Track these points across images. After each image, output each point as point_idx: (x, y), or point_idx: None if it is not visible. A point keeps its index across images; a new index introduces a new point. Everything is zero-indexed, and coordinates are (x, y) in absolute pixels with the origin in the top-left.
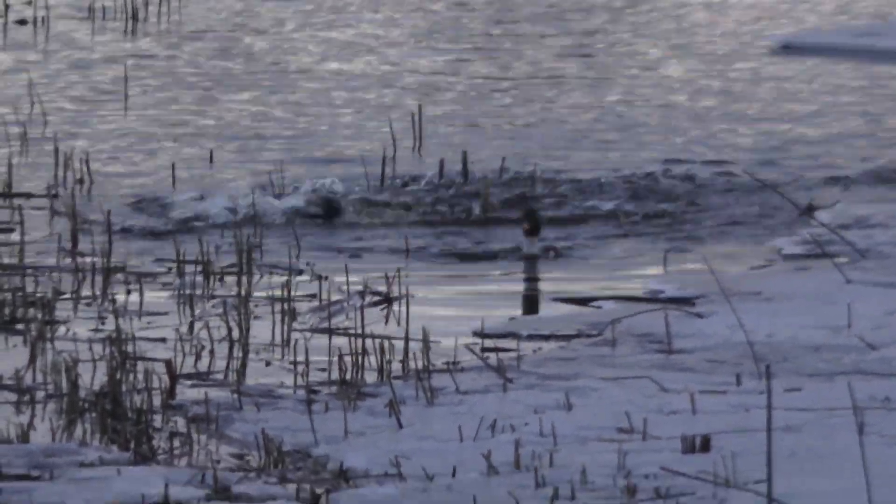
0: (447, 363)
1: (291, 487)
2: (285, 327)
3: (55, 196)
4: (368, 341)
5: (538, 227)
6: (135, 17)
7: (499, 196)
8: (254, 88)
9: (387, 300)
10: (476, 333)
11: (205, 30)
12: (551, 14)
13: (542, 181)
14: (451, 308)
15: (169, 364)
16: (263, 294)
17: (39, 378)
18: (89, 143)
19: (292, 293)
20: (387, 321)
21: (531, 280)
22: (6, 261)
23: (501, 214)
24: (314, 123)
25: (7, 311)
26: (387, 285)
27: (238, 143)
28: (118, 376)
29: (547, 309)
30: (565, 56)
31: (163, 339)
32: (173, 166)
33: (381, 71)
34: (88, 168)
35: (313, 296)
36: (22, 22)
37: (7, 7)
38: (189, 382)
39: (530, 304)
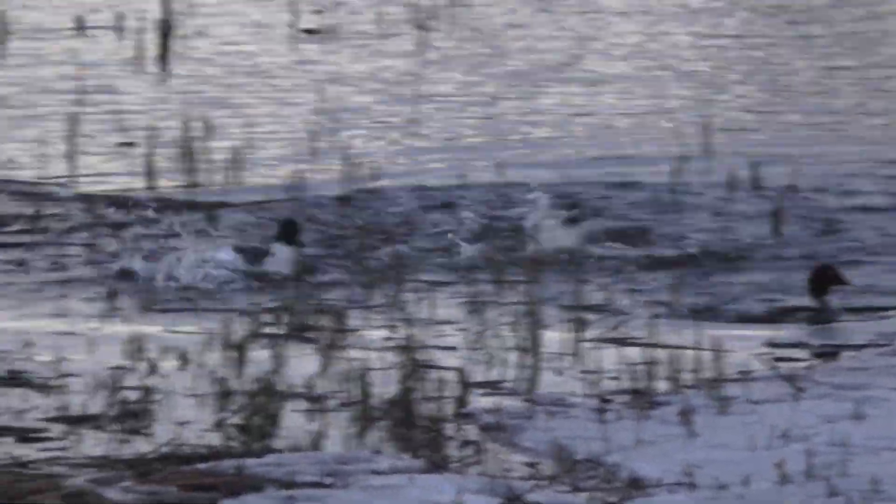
0: (739, 372)
1: (583, 496)
2: (575, 337)
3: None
4: (659, 351)
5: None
6: (423, 28)
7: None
8: None
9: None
10: (767, 343)
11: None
12: None
13: None
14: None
15: (461, 373)
16: (552, 303)
17: (332, 386)
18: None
19: (581, 303)
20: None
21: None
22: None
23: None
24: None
25: (299, 319)
26: (673, 295)
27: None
28: (410, 385)
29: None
30: None
31: (453, 348)
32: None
33: None
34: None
35: (601, 306)
36: (311, 31)
37: (297, 18)
38: (481, 391)
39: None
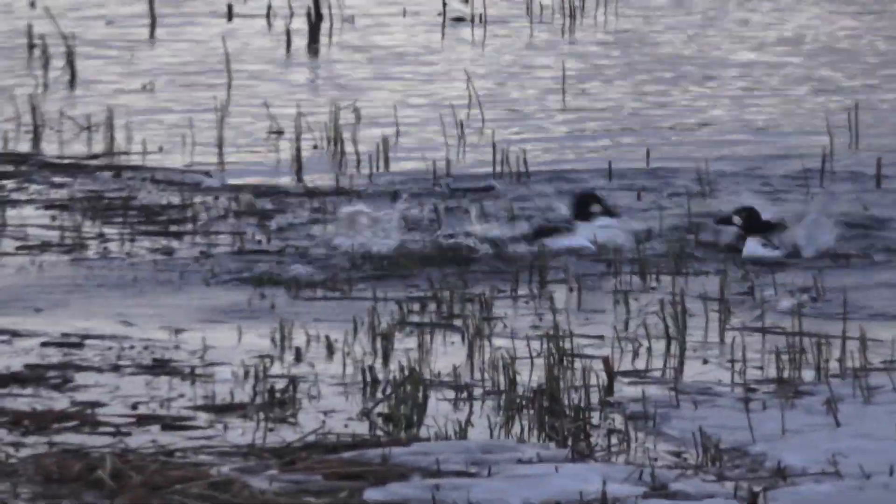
0: (885, 361)
1: (729, 485)
2: (721, 325)
3: (490, 189)
4: (805, 339)
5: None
6: (572, 16)
7: None
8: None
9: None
10: None
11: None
12: None
13: None
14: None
15: (606, 361)
16: (698, 293)
17: (477, 375)
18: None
19: (726, 292)
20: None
21: None
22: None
23: None
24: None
25: (446, 307)
26: (815, 284)
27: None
28: (556, 373)
29: None
30: None
31: (600, 337)
32: (609, 164)
33: None
34: (525, 161)
35: (747, 293)
36: (459, 19)
37: (445, 5)
38: (626, 380)
39: None
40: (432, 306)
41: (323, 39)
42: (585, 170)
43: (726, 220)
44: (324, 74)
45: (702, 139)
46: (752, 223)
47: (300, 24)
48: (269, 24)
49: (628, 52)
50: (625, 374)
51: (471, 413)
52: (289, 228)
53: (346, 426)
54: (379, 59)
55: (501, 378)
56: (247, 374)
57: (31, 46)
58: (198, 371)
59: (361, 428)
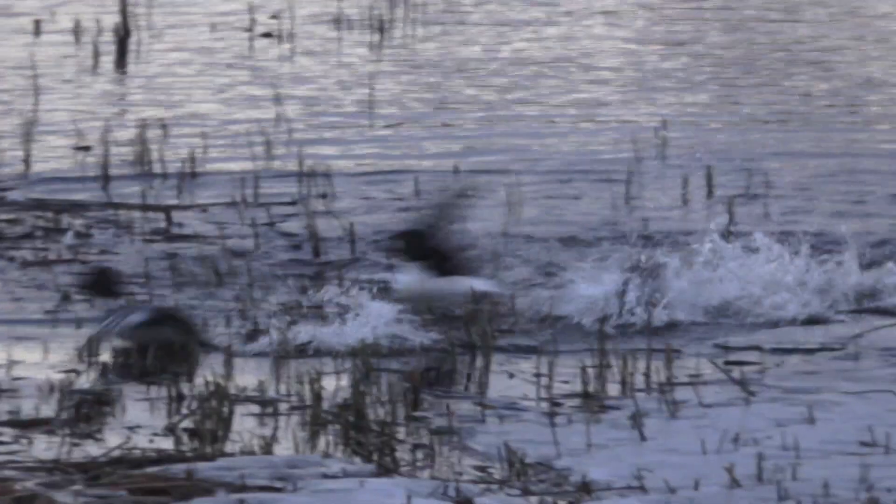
0: (690, 376)
1: (534, 500)
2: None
3: (295, 203)
4: (610, 354)
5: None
6: (381, 30)
7: None
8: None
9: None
10: (718, 346)
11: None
12: None
13: None
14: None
15: (412, 376)
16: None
17: (283, 390)
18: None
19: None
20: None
21: None
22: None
23: None
24: None
25: (250, 322)
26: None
27: None
28: (361, 388)
29: (789, 324)
30: None
31: (404, 351)
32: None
33: None
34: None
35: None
36: (267, 35)
37: (254, 21)
38: (432, 394)
39: None
40: (237, 321)
41: (131, 55)
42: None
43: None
44: (133, 89)
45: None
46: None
47: (108, 38)
48: (77, 40)
49: (434, 70)
50: (430, 388)
51: (276, 428)
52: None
53: (151, 441)
54: (187, 75)
55: (307, 393)
56: (52, 388)
57: None
58: (3, 386)
59: (167, 443)
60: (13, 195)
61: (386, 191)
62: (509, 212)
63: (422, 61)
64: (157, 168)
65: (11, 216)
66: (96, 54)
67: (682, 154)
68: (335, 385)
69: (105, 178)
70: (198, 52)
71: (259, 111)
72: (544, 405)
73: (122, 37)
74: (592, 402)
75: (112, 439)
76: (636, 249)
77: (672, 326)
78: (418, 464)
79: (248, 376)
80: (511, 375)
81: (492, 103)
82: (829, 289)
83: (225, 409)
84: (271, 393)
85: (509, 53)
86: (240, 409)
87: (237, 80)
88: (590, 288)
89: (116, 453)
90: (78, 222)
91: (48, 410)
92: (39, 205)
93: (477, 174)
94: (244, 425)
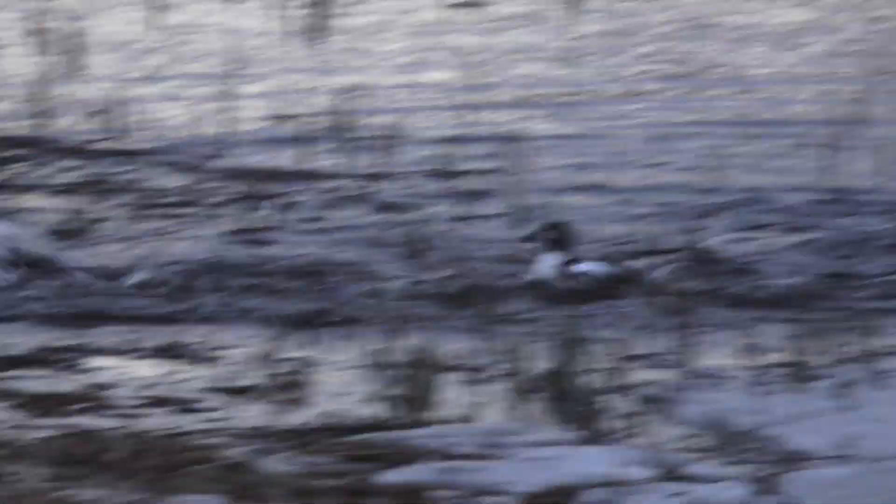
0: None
1: (742, 469)
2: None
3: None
4: (816, 324)
5: None
6: None
7: None
8: None
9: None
10: None
11: None
12: None
13: None
14: None
15: (619, 344)
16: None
17: (490, 358)
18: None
19: None
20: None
21: None
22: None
23: None
24: None
25: (457, 289)
26: None
27: None
28: (568, 357)
29: None
30: None
31: (612, 320)
32: None
33: None
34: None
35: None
36: (465, 4)
37: None
38: (639, 363)
39: None
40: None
41: (331, 20)
42: None
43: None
44: (331, 54)
45: None
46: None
47: (306, 2)
48: (278, 5)
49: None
50: (637, 357)
51: (483, 396)
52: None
53: (358, 409)
54: (386, 40)
55: (514, 361)
56: (258, 356)
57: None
58: (209, 354)
59: (373, 411)
60: (215, 163)
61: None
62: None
63: (624, 27)
64: (356, 134)
65: (214, 184)
66: (294, 19)
67: None
68: (542, 352)
69: (303, 144)
70: (395, 17)
71: (455, 76)
72: (748, 374)
73: (321, 2)
74: (797, 371)
75: (317, 407)
76: None
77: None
78: (625, 432)
79: (455, 343)
80: (717, 344)
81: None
82: None
83: (430, 377)
84: (479, 360)
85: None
86: (447, 378)
87: (437, 45)
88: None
89: (324, 420)
90: (278, 190)
91: (254, 378)
92: (239, 174)
93: None
94: (449, 393)
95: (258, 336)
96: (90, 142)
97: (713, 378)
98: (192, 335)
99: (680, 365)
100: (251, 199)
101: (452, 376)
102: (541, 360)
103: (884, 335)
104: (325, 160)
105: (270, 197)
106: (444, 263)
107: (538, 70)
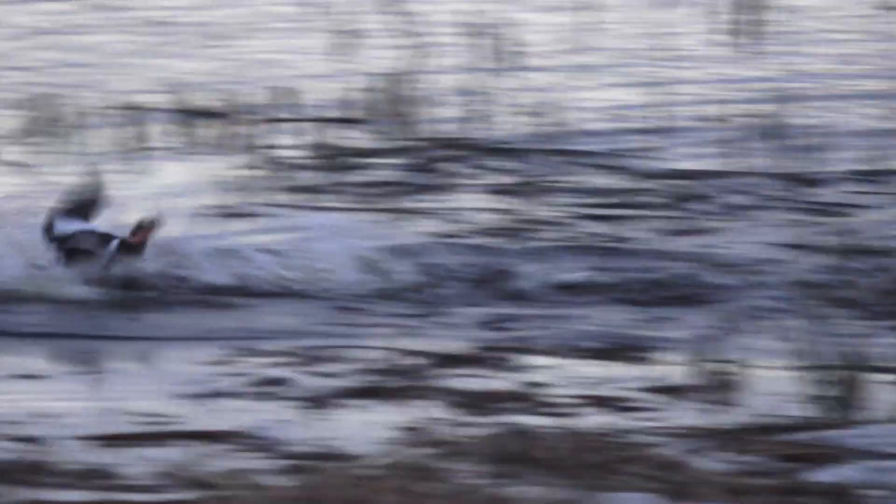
0: None
1: None
2: None
3: None
4: None
5: None
6: None
7: None
8: None
9: None
10: None
11: None
12: None
13: None
14: None
15: None
16: None
17: None
18: None
19: None
20: None
21: None
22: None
23: None
24: None
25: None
26: None
27: None
28: None
29: None
30: None
31: None
32: None
33: None
34: None
35: None
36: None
37: None
38: None
39: None
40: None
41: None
42: None
43: None
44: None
45: None
46: None
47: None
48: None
49: None
50: None
51: None
52: None
53: (787, 408)
54: (817, 41)
55: None
56: (689, 355)
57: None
58: (644, 355)
59: (802, 410)
60: (646, 164)
61: None
62: None
63: None
64: (786, 134)
65: (647, 184)
66: (723, 20)
67: None
68: None
69: (735, 151)
70: (826, 18)
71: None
72: None
73: (751, 3)
74: None
75: (748, 406)
76: None
77: None
78: None
79: (882, 345)
80: None
81: None
82: None
83: (859, 377)
84: None
85: None
86: (874, 377)
87: (866, 49)
88: None
89: (754, 420)
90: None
91: (689, 377)
92: (670, 174)
93: None
94: (878, 393)
95: (692, 337)
96: (523, 141)
97: None
98: (631, 336)
99: None
100: (684, 200)
101: (881, 376)
102: None
103: None
104: (754, 160)
105: (702, 198)
106: (873, 265)
107: None
